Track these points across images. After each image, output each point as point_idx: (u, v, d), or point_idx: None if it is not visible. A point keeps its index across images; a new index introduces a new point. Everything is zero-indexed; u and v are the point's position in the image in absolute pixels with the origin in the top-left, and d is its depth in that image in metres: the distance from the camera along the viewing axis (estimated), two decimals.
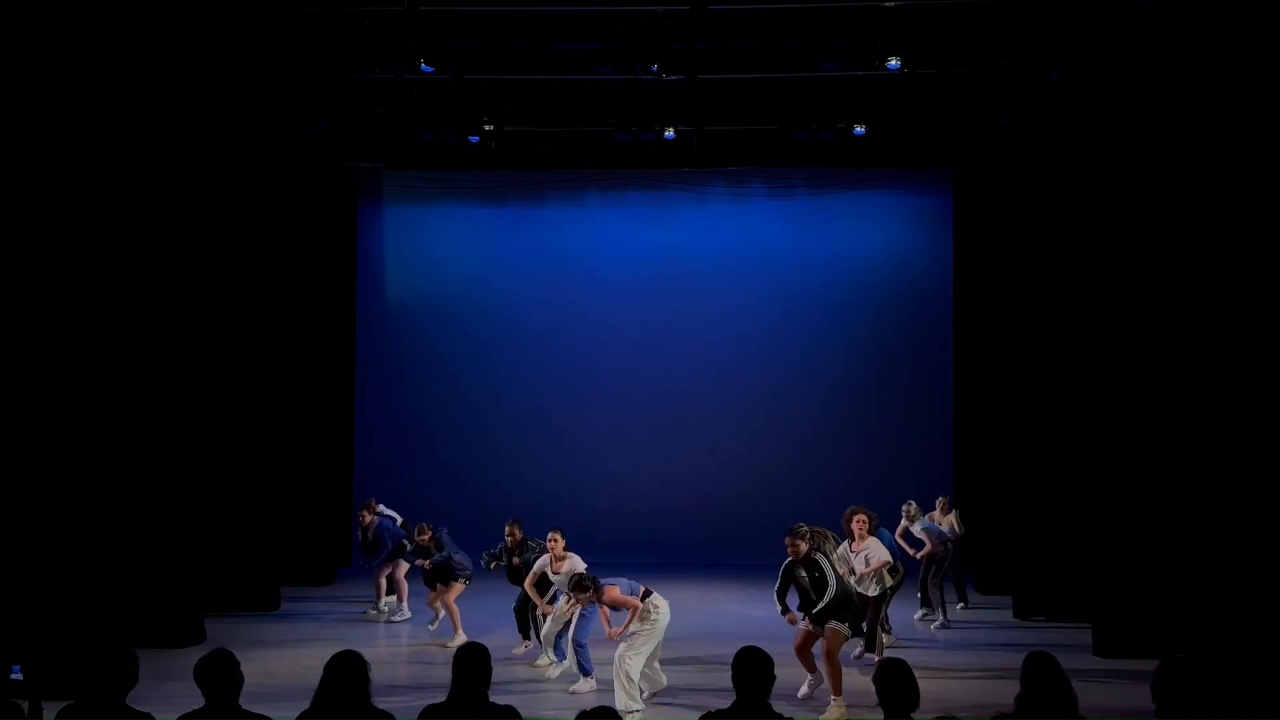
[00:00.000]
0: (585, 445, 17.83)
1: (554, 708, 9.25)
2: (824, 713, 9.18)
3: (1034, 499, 13.28)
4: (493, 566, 11.71)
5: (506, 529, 11.57)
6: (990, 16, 11.63)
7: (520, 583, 11.11)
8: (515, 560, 11.32)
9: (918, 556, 12.81)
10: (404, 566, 13.21)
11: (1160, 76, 10.74)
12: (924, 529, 12.96)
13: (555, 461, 17.60)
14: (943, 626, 12.73)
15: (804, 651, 9.70)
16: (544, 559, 10.65)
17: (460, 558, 12.04)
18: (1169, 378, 10.83)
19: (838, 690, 9.23)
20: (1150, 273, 11.09)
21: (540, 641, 10.79)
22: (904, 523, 13.01)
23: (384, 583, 13.38)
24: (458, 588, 11.93)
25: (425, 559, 12.14)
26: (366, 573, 13.65)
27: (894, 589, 11.22)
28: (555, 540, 10.56)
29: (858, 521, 10.72)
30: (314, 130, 15.11)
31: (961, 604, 13.73)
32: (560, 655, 10.51)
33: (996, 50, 12.31)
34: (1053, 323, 13.28)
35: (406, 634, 12.60)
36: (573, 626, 10.10)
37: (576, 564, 10.39)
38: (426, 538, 12.19)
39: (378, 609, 13.28)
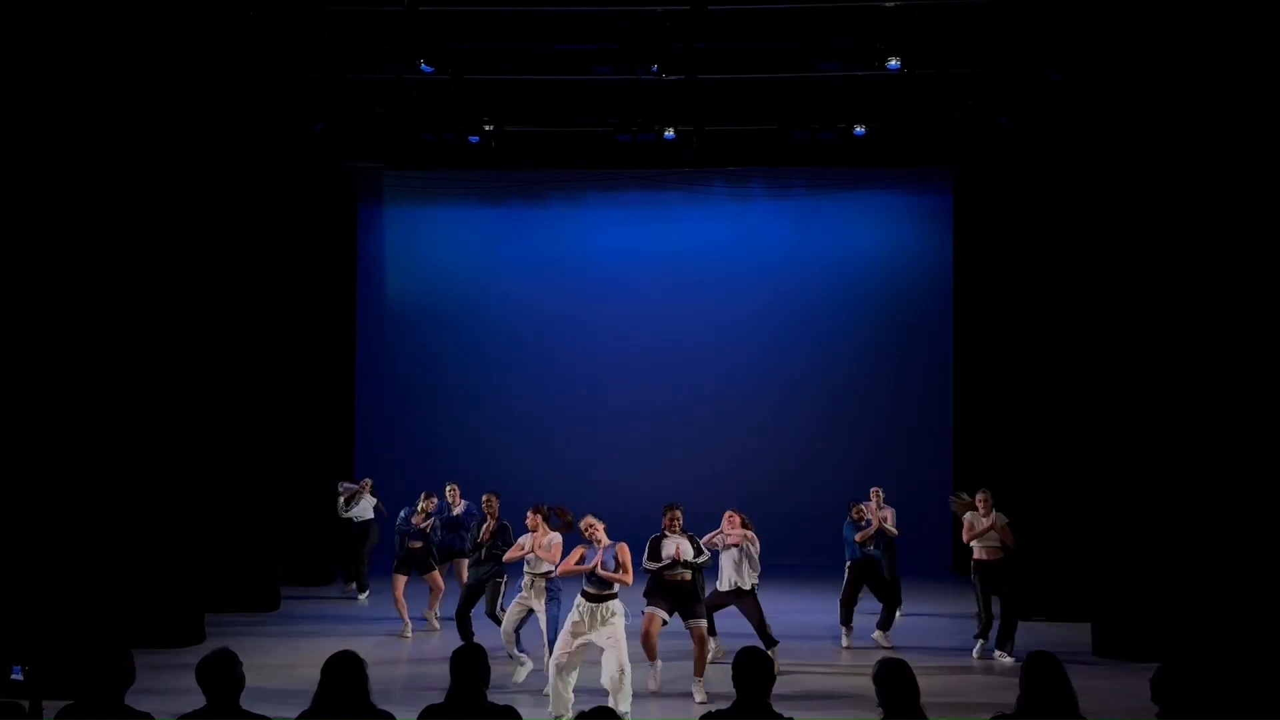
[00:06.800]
0: (585, 445, 17.83)
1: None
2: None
3: (1034, 499, 13.27)
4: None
5: (485, 500, 11.44)
6: (990, 16, 11.65)
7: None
8: (486, 535, 11.03)
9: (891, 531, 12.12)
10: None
11: (1160, 76, 10.74)
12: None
13: (555, 461, 17.58)
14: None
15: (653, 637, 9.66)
16: (526, 537, 10.08)
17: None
18: (1169, 378, 10.83)
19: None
20: (1151, 273, 11.10)
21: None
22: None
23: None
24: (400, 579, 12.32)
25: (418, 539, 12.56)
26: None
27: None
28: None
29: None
30: (314, 130, 15.12)
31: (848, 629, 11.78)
32: (522, 648, 10.10)
33: (996, 50, 12.34)
34: (1053, 323, 13.30)
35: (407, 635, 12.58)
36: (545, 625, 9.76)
37: (556, 539, 9.95)
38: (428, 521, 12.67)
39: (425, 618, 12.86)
